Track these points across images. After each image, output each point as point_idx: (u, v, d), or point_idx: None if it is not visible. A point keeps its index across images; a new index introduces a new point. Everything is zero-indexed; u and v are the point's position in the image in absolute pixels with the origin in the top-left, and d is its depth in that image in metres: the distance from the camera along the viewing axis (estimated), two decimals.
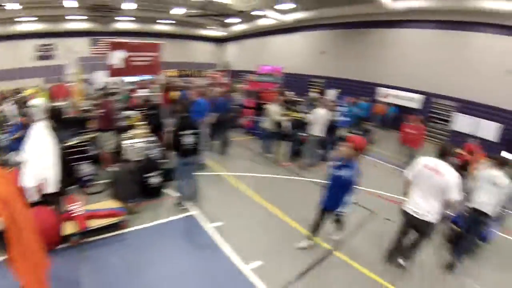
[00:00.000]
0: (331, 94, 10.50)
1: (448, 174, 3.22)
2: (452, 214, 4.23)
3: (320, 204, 3.78)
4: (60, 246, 3.51)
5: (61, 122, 4.14)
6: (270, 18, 19.95)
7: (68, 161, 3.98)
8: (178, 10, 18.06)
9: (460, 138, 11.15)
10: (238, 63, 24.72)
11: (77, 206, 3.76)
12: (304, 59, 19.98)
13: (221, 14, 19.93)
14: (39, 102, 4.08)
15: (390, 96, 15.02)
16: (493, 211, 3.83)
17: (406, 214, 3.45)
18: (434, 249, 4.14)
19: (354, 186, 3.55)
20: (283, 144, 6.97)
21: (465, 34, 12.91)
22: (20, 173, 3.14)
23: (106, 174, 4.96)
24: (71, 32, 19.59)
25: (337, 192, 3.56)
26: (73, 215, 3.63)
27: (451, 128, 13.15)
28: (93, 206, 4.06)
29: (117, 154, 5.14)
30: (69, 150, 4.41)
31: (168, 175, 5.00)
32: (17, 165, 3.44)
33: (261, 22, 22.08)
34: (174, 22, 22.48)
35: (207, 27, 25.04)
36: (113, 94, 6.98)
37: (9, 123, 6.21)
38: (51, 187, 3.23)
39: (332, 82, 15.98)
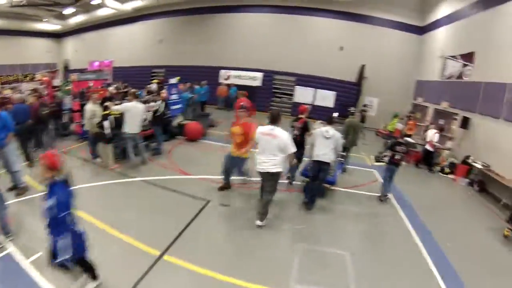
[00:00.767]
0: (172, 82, 10.22)
1: (281, 135, 4.03)
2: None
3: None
4: None
5: None
6: (108, 7, 17.90)
7: None
8: None
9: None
10: (78, 60, 21.29)
11: None
12: (145, 49, 19.00)
13: (54, 3, 16.74)
14: None
15: (232, 77, 15.88)
16: (330, 159, 4.89)
17: (259, 173, 4.25)
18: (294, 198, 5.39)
19: (63, 220, 2.45)
20: (109, 145, 6.21)
21: (304, 19, 14.93)
22: None
23: None
24: None
25: (52, 233, 2.51)
26: None
27: (294, 100, 15.29)
28: None
29: None
30: None
31: None
32: None
33: (100, 13, 19.57)
34: None
35: (43, 19, 20.60)
36: None
37: None
38: None
39: (173, 71, 15.63)
